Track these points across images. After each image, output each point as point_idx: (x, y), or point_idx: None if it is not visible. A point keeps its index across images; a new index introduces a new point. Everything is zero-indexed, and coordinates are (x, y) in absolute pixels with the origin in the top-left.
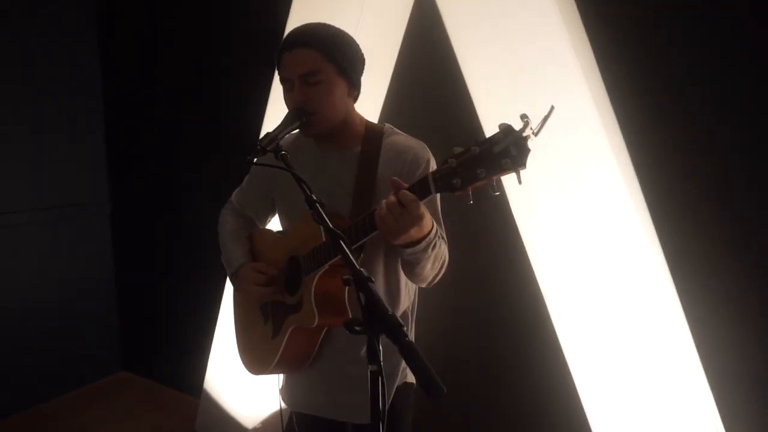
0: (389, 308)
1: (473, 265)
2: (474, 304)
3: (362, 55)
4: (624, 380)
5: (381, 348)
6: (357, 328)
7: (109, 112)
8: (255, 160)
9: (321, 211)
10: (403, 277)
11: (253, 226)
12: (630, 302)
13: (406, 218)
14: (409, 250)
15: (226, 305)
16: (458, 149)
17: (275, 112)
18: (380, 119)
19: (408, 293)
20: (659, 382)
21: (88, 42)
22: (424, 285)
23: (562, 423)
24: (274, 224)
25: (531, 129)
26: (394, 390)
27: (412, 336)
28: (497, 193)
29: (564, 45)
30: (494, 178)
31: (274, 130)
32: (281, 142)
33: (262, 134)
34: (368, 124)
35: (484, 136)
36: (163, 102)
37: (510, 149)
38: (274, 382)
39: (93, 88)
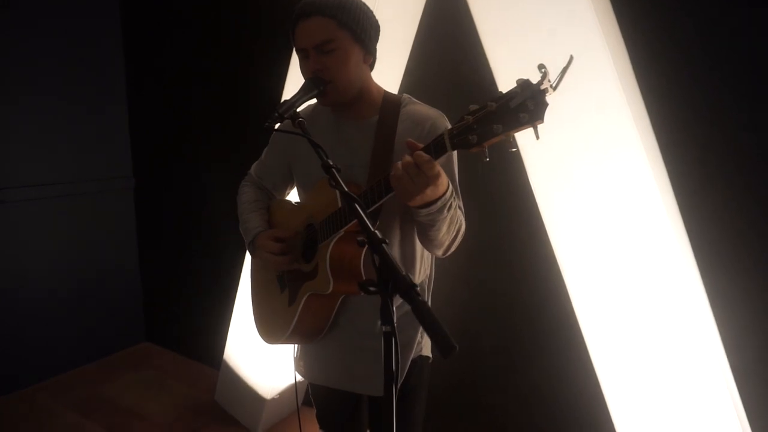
0: (403, 269)
1: (491, 239)
2: (491, 278)
3: (376, 21)
4: (645, 366)
5: (394, 309)
6: (371, 289)
7: (132, 87)
8: (273, 125)
9: (336, 175)
10: (419, 247)
11: (271, 198)
12: (653, 287)
13: (421, 178)
14: (424, 211)
15: (245, 277)
16: (474, 106)
17: (294, 84)
18: (400, 89)
19: (423, 264)
20: (681, 370)
21: (111, 17)
22: (440, 253)
23: (580, 403)
24: (293, 197)
25: (549, 81)
26: (409, 362)
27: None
28: (514, 149)
29: (586, 8)
30: (511, 133)
31: (292, 98)
32: (299, 111)
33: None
34: (386, 93)
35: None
36: (185, 76)
37: (527, 103)
38: (291, 353)
39: (115, 63)
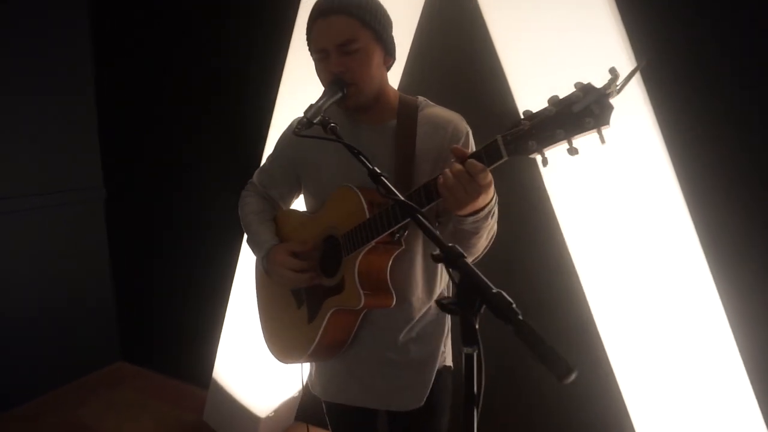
0: (490, 284)
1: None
2: (505, 282)
3: (390, 18)
4: (662, 367)
5: (477, 327)
6: (452, 307)
7: (101, 91)
8: (302, 131)
9: (388, 184)
10: None
11: (276, 208)
12: (668, 289)
13: (474, 187)
14: (471, 219)
15: (237, 292)
16: (527, 111)
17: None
18: (401, 84)
19: (444, 274)
20: (698, 372)
21: (78, 18)
22: (470, 260)
23: (599, 403)
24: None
25: (615, 85)
26: (435, 374)
27: (448, 316)
28: (576, 155)
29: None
30: (574, 138)
31: (318, 101)
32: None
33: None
34: (401, 96)
35: (513, 98)
36: (157, 83)
37: (592, 108)
38: (289, 369)
39: (83, 66)
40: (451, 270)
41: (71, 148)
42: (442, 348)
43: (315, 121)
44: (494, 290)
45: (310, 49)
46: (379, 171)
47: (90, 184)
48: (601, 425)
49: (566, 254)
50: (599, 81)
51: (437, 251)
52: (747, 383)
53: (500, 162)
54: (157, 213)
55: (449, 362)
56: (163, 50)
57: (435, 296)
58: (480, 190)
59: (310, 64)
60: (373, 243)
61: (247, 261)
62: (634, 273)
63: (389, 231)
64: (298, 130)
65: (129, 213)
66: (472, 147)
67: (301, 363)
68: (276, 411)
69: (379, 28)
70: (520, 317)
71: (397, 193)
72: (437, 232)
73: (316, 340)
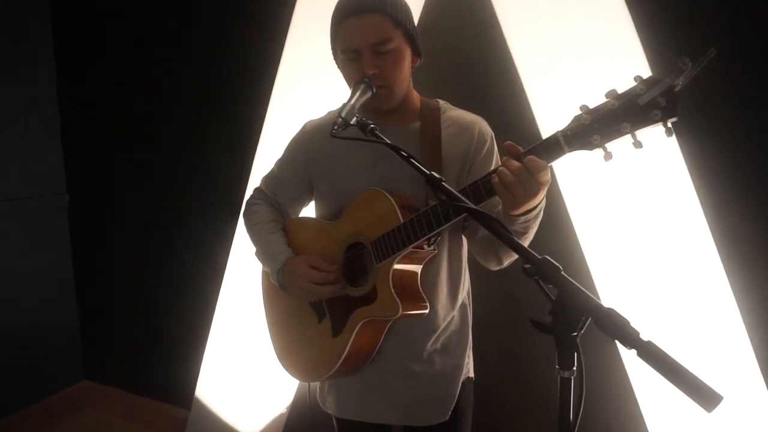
0: (598, 301)
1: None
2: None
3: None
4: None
5: (580, 350)
6: (548, 326)
7: (64, 92)
8: (340, 132)
9: (451, 189)
10: (465, 260)
11: (285, 217)
12: (682, 290)
13: (533, 184)
14: (522, 218)
15: (224, 302)
16: (585, 106)
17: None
18: None
19: (466, 279)
20: (712, 371)
21: (39, 15)
22: (504, 264)
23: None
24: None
25: (680, 78)
26: (460, 387)
27: (470, 325)
28: (640, 148)
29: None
30: (639, 131)
31: (350, 100)
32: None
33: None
34: (422, 98)
35: (524, 90)
36: (125, 79)
37: (658, 100)
38: (277, 385)
39: (44, 65)
40: (546, 285)
41: (30, 153)
42: (467, 359)
43: (352, 122)
44: (605, 308)
45: (335, 49)
46: (437, 176)
47: (52, 191)
48: (615, 427)
49: (579, 254)
50: (618, 80)
51: (527, 265)
52: (763, 387)
53: (560, 157)
54: (127, 220)
55: (472, 373)
56: (129, 52)
57: (458, 303)
58: (539, 187)
59: (305, 65)
60: (410, 248)
61: (236, 268)
62: (648, 273)
63: (429, 235)
64: (336, 131)
65: (95, 221)
66: (496, 150)
67: (323, 380)
68: (263, 430)
69: (410, 27)
70: (642, 337)
71: (465, 200)
72: (520, 242)
73: (344, 354)
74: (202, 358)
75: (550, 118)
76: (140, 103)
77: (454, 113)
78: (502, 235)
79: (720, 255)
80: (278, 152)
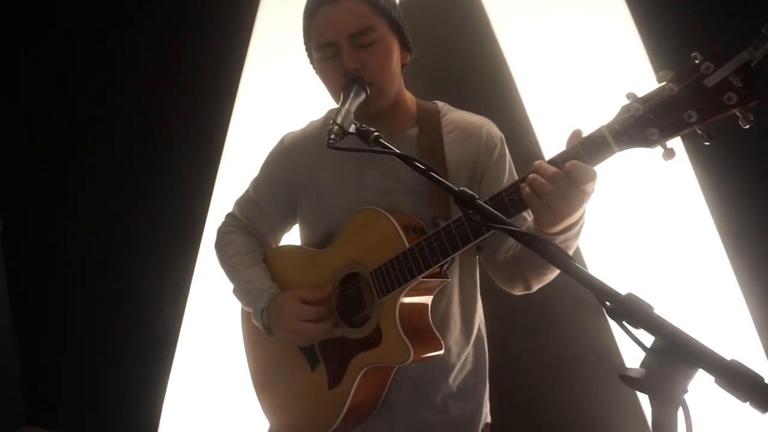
0: (713, 351)
1: None
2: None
3: None
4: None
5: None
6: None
7: None
8: (337, 142)
9: (490, 208)
10: (478, 285)
11: (264, 246)
12: (689, 293)
13: (576, 194)
14: (562, 237)
15: (186, 340)
16: (631, 94)
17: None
18: None
19: (479, 309)
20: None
21: None
22: (533, 289)
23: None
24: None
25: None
26: None
27: (486, 362)
28: (709, 143)
29: None
30: (709, 121)
31: (343, 104)
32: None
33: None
34: (418, 101)
35: (510, 75)
36: (58, 92)
37: (730, 80)
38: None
39: None
40: (633, 329)
41: None
42: (486, 401)
43: (351, 130)
44: (725, 359)
45: (309, 49)
46: (470, 192)
47: None
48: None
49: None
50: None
51: (609, 303)
52: None
53: (607, 158)
54: (69, 246)
55: (489, 417)
56: (64, 59)
57: (473, 336)
58: (584, 197)
59: (272, 72)
60: (419, 278)
61: (199, 299)
62: (653, 277)
63: (442, 262)
64: (333, 141)
65: (33, 247)
66: (508, 154)
67: None
68: None
69: (396, 15)
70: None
71: (509, 222)
72: (593, 275)
73: (344, 409)
74: (162, 401)
75: (546, 118)
76: (82, 115)
77: (455, 115)
78: (570, 267)
79: (727, 253)
80: (246, 168)
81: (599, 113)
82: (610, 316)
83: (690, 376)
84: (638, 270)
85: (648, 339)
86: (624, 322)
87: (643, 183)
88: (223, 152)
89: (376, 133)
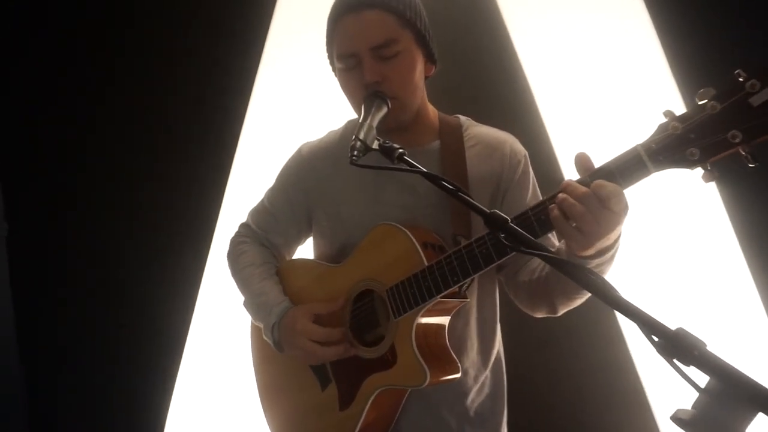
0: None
1: None
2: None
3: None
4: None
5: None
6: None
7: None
8: (359, 159)
9: (521, 231)
10: (498, 306)
11: (278, 259)
12: (704, 297)
13: (608, 216)
14: (595, 261)
15: (192, 355)
16: (668, 112)
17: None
18: None
19: (498, 330)
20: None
21: None
22: (559, 313)
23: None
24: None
25: None
26: None
27: (504, 386)
28: (753, 165)
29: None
30: (756, 142)
31: (365, 119)
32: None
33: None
34: (440, 114)
35: (528, 87)
36: (67, 96)
37: None
38: None
39: None
40: (683, 366)
41: None
42: (503, 428)
43: (374, 146)
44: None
45: (331, 58)
46: (502, 214)
47: None
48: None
49: None
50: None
51: (658, 339)
52: None
53: (643, 179)
54: (76, 252)
55: None
56: (74, 62)
57: (492, 359)
58: (617, 219)
59: (285, 77)
60: (437, 298)
61: (206, 310)
62: (665, 283)
63: (463, 282)
64: (356, 157)
65: (39, 255)
66: (531, 171)
67: None
68: None
69: (422, 27)
70: None
71: (544, 247)
72: (639, 307)
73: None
74: (167, 409)
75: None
76: (88, 120)
77: (478, 130)
78: (614, 298)
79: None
80: (258, 174)
81: (622, 131)
82: (659, 353)
83: (748, 421)
84: (656, 285)
85: (699, 377)
86: (675, 360)
87: (660, 194)
88: (235, 156)
89: (400, 150)
